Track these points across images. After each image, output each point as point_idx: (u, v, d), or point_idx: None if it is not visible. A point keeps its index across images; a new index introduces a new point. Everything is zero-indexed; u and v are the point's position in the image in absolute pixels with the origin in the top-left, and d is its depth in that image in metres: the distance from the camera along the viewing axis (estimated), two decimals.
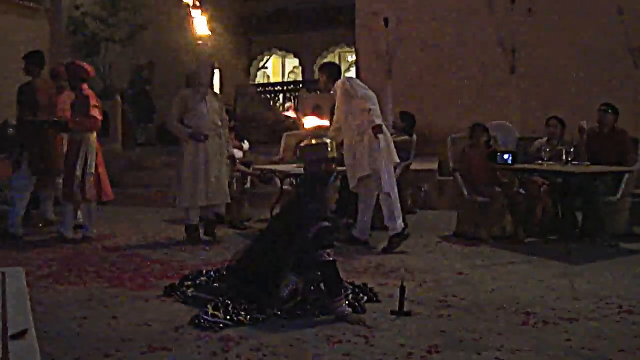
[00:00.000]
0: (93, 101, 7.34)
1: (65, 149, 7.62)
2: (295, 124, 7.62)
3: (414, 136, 8.65)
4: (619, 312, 4.66)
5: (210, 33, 7.35)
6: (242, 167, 8.58)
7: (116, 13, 13.79)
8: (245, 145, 9.03)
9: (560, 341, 4.05)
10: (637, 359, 3.76)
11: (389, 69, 11.56)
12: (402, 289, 4.62)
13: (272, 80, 23.96)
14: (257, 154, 9.97)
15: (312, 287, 4.57)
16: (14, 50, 7.90)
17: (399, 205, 6.82)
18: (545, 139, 8.05)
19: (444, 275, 5.76)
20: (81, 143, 7.26)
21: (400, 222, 6.78)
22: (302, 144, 4.94)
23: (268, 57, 22.72)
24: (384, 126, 6.83)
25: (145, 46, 15.13)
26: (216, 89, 14.84)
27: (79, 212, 7.72)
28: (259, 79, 22.59)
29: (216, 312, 4.41)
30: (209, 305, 4.50)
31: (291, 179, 8.15)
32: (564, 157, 7.25)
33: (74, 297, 5.05)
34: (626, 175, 7.29)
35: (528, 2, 10.78)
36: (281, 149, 9.28)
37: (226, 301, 4.55)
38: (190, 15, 7.28)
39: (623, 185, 7.32)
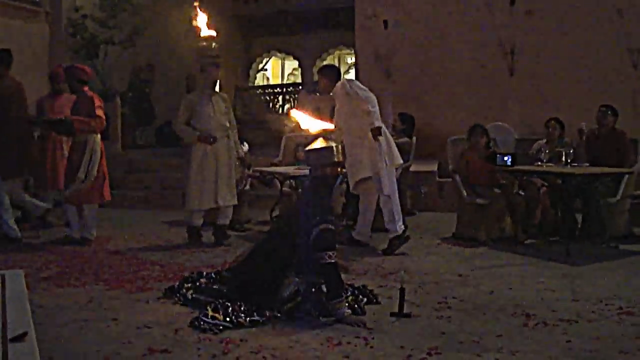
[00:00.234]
0: (97, 102, 7.33)
1: (62, 150, 7.63)
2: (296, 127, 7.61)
3: (414, 138, 8.66)
4: (619, 313, 4.66)
5: (215, 34, 7.32)
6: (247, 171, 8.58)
7: (115, 15, 13.76)
8: (245, 147, 9.02)
9: (561, 343, 4.05)
10: None
11: (389, 70, 11.56)
12: (402, 290, 4.62)
13: (271, 82, 23.97)
14: (256, 156, 9.97)
15: (312, 289, 4.57)
16: (14, 54, 7.86)
17: (399, 207, 6.83)
18: (544, 140, 8.08)
19: (444, 277, 5.77)
20: (86, 145, 7.22)
21: (400, 225, 6.79)
22: (308, 148, 4.92)
23: (267, 59, 22.71)
24: (384, 128, 6.84)
25: (144, 48, 15.11)
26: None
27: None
28: (259, 80, 22.59)
29: (216, 314, 4.41)
30: (208, 308, 4.50)
31: (291, 181, 8.15)
32: (563, 158, 7.25)
33: (74, 299, 5.05)
34: (626, 177, 7.29)
35: (527, 4, 10.78)
36: (281, 151, 9.28)
37: (226, 303, 4.55)
38: (196, 17, 7.26)
39: (623, 187, 7.32)
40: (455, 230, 7.64)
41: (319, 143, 4.86)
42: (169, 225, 8.61)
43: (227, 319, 4.37)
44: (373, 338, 4.11)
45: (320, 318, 4.47)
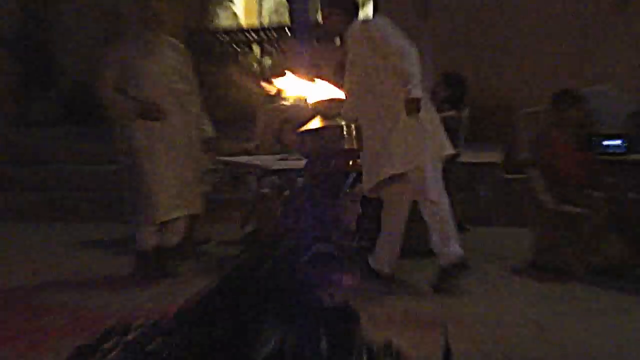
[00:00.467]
0: None
1: None
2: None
3: (466, 110, 8.65)
4: None
5: None
6: None
7: None
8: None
9: None
10: None
11: (427, 10, 11.55)
12: (447, 350, 4.60)
13: (242, 23, 23.96)
14: (218, 139, 9.95)
15: (305, 347, 4.55)
16: None
17: (452, 220, 6.82)
18: None
19: (513, 330, 5.77)
20: None
21: (458, 247, 6.78)
22: (302, 128, 4.90)
23: None
24: (426, 101, 6.80)
25: None
26: None
27: None
28: (224, 21, 22.56)
29: None
30: None
31: (273, 178, 8.13)
32: None
33: None
34: None
35: None
36: (257, 131, 9.27)
37: None
38: None
39: None
40: (531, 256, 7.63)
41: (318, 121, 4.84)
42: (82, 247, 8.60)
43: None
44: None
45: None
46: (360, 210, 7.93)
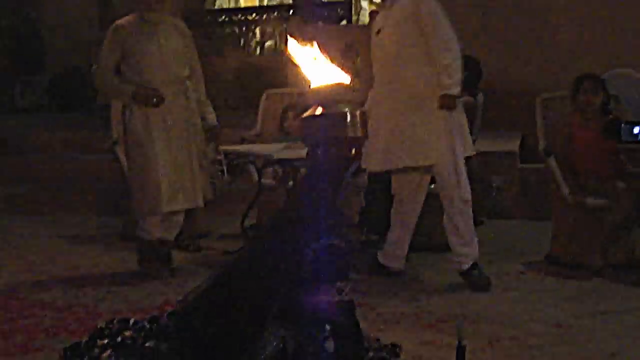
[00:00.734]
0: None
1: None
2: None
3: (480, 96, 8.64)
4: None
5: None
6: None
7: None
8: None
9: None
10: None
11: None
12: (461, 351, 4.60)
13: (242, 3, 23.91)
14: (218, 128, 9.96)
15: (310, 348, 4.55)
16: None
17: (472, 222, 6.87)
18: None
19: (531, 329, 5.76)
20: None
21: (477, 247, 6.82)
22: (305, 114, 4.87)
23: None
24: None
25: None
26: None
27: None
28: (221, 1, 22.53)
29: None
30: None
31: (276, 168, 8.13)
32: None
33: None
34: None
35: None
36: (259, 118, 9.26)
37: None
38: None
39: None
40: (550, 251, 7.62)
41: (323, 106, 4.83)
42: (72, 243, 8.60)
43: None
44: None
45: None
46: (364, 203, 7.95)
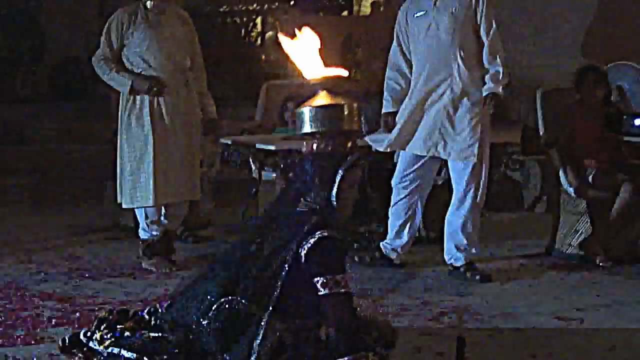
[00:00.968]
0: None
1: None
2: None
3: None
4: None
5: None
6: None
7: None
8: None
9: None
10: None
11: None
12: (461, 343, 4.61)
13: None
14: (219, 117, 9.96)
15: (306, 340, 4.55)
16: None
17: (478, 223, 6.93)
18: None
19: (533, 321, 5.77)
20: None
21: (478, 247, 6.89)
22: (299, 108, 4.88)
23: None
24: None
25: None
26: None
27: None
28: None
29: None
30: None
31: (276, 159, 8.12)
32: None
33: None
34: None
35: None
36: (258, 109, 9.26)
37: None
38: None
39: None
40: (550, 242, 7.62)
41: (321, 98, 4.82)
42: (72, 234, 8.61)
43: None
44: None
45: None
46: (359, 195, 7.92)
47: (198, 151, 7.29)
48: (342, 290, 4.52)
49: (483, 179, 6.78)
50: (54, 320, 5.72)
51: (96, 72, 7.21)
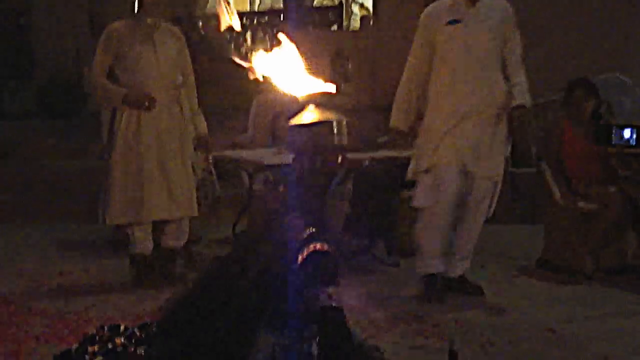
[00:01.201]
0: None
1: None
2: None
3: None
4: None
5: None
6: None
7: None
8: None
9: None
10: None
11: None
12: (453, 356, 4.63)
13: (233, 9, 23.92)
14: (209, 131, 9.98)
15: (300, 354, 4.57)
16: None
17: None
18: None
19: (525, 334, 5.80)
20: None
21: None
22: (292, 122, 4.90)
23: None
24: None
25: None
26: None
27: None
28: (212, 5, 22.55)
29: None
30: None
31: (267, 173, 8.14)
32: None
33: None
34: None
35: None
36: (250, 123, 9.27)
37: None
38: None
39: None
40: (541, 255, 7.65)
41: (310, 114, 4.85)
42: (63, 249, 8.61)
43: None
44: None
45: None
46: (350, 210, 7.94)
47: (191, 167, 7.25)
48: (334, 304, 4.55)
49: (496, 196, 6.76)
50: (44, 337, 5.73)
51: (85, 89, 7.21)
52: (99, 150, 8.77)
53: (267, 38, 16.83)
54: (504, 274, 7.39)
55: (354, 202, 7.67)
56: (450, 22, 6.38)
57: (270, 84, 6.79)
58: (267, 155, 7.89)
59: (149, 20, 7.09)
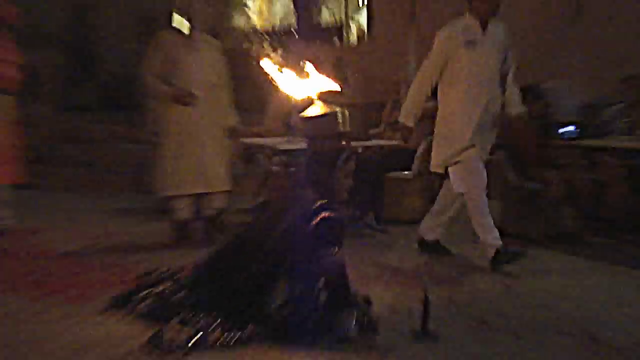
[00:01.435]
0: (11, 55, 7.33)
1: None
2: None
3: None
4: None
5: None
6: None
7: None
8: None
9: None
10: None
11: (413, 12, 11.50)
12: (427, 302, 4.61)
13: (256, 25, 23.84)
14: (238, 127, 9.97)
15: (309, 297, 4.54)
16: None
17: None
18: (621, 105, 8.05)
19: (483, 286, 5.80)
20: None
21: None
22: (303, 114, 4.91)
23: None
24: None
25: None
26: None
27: None
28: (238, 22, 22.48)
29: (181, 331, 4.41)
30: (171, 322, 4.51)
31: (280, 157, 8.13)
32: None
33: None
34: None
35: None
36: (267, 116, 9.26)
37: (196, 316, 4.56)
38: None
39: None
40: (499, 225, 7.62)
41: (319, 108, 4.85)
42: (118, 214, 8.61)
43: (197, 337, 4.37)
44: None
45: (319, 336, 4.44)
46: (351, 183, 7.93)
47: (225, 150, 7.24)
48: (337, 260, 4.55)
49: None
50: (103, 284, 5.71)
51: (138, 86, 7.21)
52: (148, 136, 8.76)
53: (281, 49, 16.77)
54: (468, 238, 7.24)
55: (356, 179, 7.68)
56: (467, 43, 6.29)
57: (285, 86, 6.82)
58: (281, 143, 7.88)
59: (194, 34, 7.12)
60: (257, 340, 4.42)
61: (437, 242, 6.77)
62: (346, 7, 23.63)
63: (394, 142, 8.53)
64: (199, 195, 7.23)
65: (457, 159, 6.36)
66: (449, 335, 4.62)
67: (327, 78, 5.57)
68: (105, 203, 9.27)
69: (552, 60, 10.43)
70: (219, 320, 4.53)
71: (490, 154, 6.70)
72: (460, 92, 6.31)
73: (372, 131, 9.36)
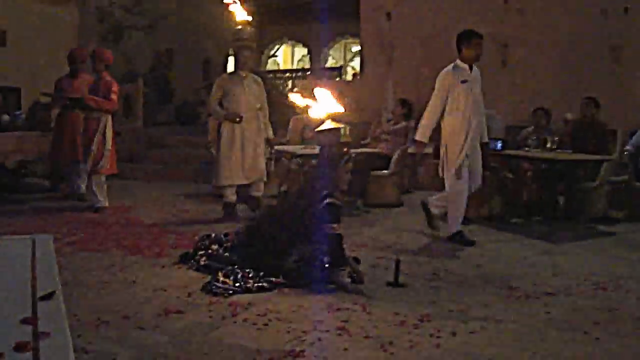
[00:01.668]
0: (115, 87, 7.39)
1: (79, 126, 7.65)
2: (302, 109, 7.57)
3: (412, 122, 8.63)
4: (595, 288, 4.67)
5: (251, 19, 7.34)
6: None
7: (140, 3, 13.81)
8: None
9: (541, 314, 4.06)
10: (610, 332, 3.77)
11: (391, 59, 11.50)
12: (398, 262, 4.63)
13: (282, 67, 23.85)
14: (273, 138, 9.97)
15: (317, 258, 4.55)
16: (46, 39, 7.87)
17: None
18: (532, 128, 8.06)
19: (436, 251, 5.79)
20: (99, 122, 7.30)
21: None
22: (318, 129, 4.94)
23: (279, 46, 22.65)
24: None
25: (165, 33, 15.11)
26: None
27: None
28: (270, 66, 22.50)
29: (226, 280, 4.43)
30: (219, 273, 4.52)
31: (297, 159, 8.14)
32: (548, 145, 7.26)
33: (97, 263, 5.07)
34: (605, 164, 7.28)
35: (519, 3, 10.73)
36: (288, 131, 9.27)
37: (236, 270, 4.58)
38: (229, 4, 7.33)
39: (602, 173, 7.30)
40: None
41: (329, 124, 4.88)
42: (185, 197, 8.62)
43: (237, 284, 4.39)
44: (370, 305, 4.13)
45: (323, 285, 4.45)
46: (350, 178, 7.90)
47: (261, 153, 7.24)
48: (337, 232, 4.57)
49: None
50: (174, 245, 5.74)
51: (203, 108, 7.30)
52: (206, 143, 8.80)
53: (300, 84, 16.80)
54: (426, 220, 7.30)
55: (353, 174, 7.67)
56: (462, 82, 6.14)
57: (303, 110, 6.81)
58: (298, 149, 7.89)
59: (242, 73, 7.15)
60: (280, 287, 4.46)
61: (434, 215, 6.49)
62: (345, 54, 23.73)
63: (377, 150, 8.55)
64: (242, 185, 7.21)
65: (456, 166, 6.18)
66: (412, 285, 4.64)
67: (334, 102, 5.57)
68: (176, 190, 9.26)
69: (485, 96, 10.44)
70: (253, 273, 4.56)
71: None
72: (459, 117, 6.16)
73: (363, 142, 9.34)
